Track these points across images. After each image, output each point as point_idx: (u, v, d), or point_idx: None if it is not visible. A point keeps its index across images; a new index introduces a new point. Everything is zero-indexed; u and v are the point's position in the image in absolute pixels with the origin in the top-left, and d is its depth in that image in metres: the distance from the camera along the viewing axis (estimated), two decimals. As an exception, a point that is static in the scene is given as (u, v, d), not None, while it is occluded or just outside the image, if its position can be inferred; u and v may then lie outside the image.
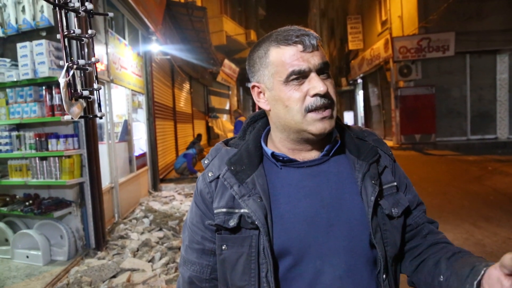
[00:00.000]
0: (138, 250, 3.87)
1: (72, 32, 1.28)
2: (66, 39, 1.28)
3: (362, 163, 0.90)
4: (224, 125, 17.70)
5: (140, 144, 7.16)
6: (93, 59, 1.38)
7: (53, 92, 3.57)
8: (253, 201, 0.85)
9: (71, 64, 1.29)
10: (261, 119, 1.02)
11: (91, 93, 1.39)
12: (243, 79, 23.00)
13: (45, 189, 3.88)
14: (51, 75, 3.48)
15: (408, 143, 12.21)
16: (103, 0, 4.80)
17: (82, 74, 1.41)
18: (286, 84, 0.84)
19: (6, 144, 3.79)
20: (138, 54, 6.58)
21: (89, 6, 1.32)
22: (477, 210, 4.89)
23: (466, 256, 0.86)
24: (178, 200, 6.37)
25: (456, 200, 5.43)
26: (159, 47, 7.50)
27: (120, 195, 5.18)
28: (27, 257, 3.64)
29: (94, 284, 3.12)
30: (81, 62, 1.32)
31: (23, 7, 3.65)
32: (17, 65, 3.61)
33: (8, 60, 3.71)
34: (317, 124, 0.84)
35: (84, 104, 1.39)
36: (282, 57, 0.84)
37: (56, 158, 3.62)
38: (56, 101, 3.57)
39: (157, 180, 7.39)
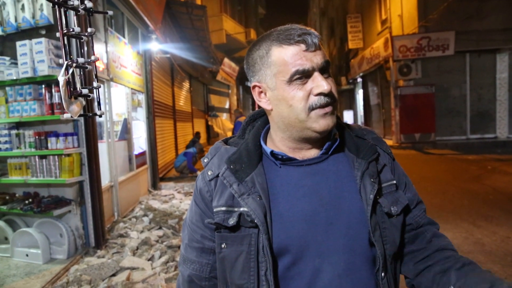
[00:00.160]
0: (137, 248, 3.87)
1: (71, 30, 1.28)
2: (65, 38, 1.28)
3: (361, 161, 0.90)
4: (224, 124, 17.71)
5: (140, 142, 7.16)
6: (92, 58, 1.38)
7: (53, 90, 3.56)
8: (253, 200, 0.85)
9: (70, 63, 1.29)
10: (260, 118, 1.02)
11: (91, 91, 1.39)
12: (242, 78, 22.98)
13: (44, 188, 3.88)
14: (51, 73, 3.48)
15: (408, 142, 12.22)
16: (103, -2, 4.79)
17: (81, 73, 1.41)
18: (289, 83, 0.84)
19: (5, 142, 3.79)
20: (138, 53, 6.57)
21: (88, 4, 1.32)
22: (476, 209, 4.90)
23: (477, 269, 0.84)
24: (177, 198, 6.38)
25: (456, 199, 5.44)
26: (158, 46, 7.49)
27: (120, 194, 5.18)
28: (27, 255, 3.65)
29: (93, 283, 3.12)
30: (81, 60, 1.32)
31: (23, 5, 3.64)
32: (16, 64, 3.61)
33: (7, 58, 3.71)
34: (320, 121, 0.84)
35: (84, 103, 1.39)
36: (284, 56, 0.83)
37: (56, 157, 3.62)
38: (56, 99, 3.56)
39: (157, 179, 7.39)
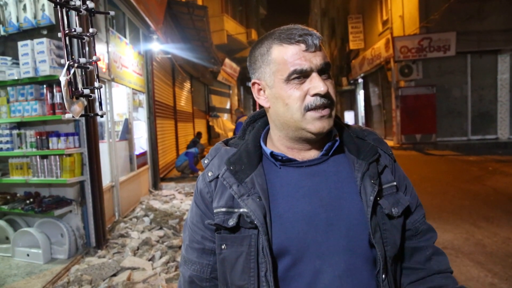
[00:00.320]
0: (138, 248, 3.87)
1: (73, 30, 1.28)
2: (67, 38, 1.28)
3: (361, 163, 0.90)
4: (225, 124, 17.71)
5: (141, 143, 7.17)
6: (94, 58, 1.38)
7: (54, 90, 3.57)
8: (252, 201, 0.85)
9: (72, 63, 1.29)
10: (261, 119, 1.02)
11: (92, 91, 1.39)
12: (243, 79, 23.00)
13: (45, 188, 3.89)
14: (52, 73, 3.49)
15: (409, 143, 12.21)
16: (104, -2, 4.79)
17: (83, 73, 1.42)
18: (287, 82, 0.84)
19: (7, 142, 3.80)
20: (139, 53, 6.58)
21: (90, 4, 1.33)
22: (477, 210, 4.89)
23: None
24: (178, 199, 6.38)
25: (457, 200, 5.43)
26: (160, 46, 7.50)
27: (121, 194, 5.19)
28: (28, 255, 3.65)
29: (94, 283, 3.13)
30: (82, 60, 1.32)
31: (24, 5, 3.65)
32: (18, 64, 3.62)
33: (9, 58, 3.72)
34: (316, 123, 0.84)
35: (85, 103, 1.39)
36: (284, 55, 0.84)
37: (57, 157, 3.62)
38: (57, 99, 3.57)
39: (158, 179, 7.40)
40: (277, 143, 0.93)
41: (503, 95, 11.91)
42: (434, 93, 11.95)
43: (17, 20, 3.71)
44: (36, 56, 3.50)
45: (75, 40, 1.38)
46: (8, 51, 3.85)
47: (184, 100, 11.79)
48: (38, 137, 3.66)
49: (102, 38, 4.57)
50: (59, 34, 1.27)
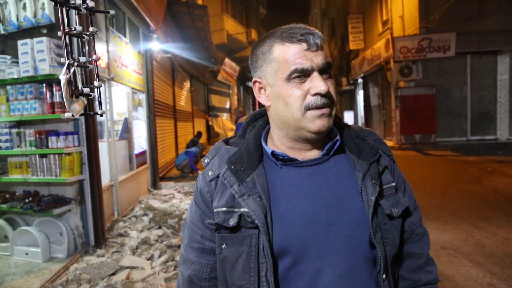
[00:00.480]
0: (137, 248, 3.87)
1: (73, 29, 1.28)
2: (67, 37, 1.28)
3: (362, 163, 0.90)
4: (224, 123, 17.71)
5: (140, 142, 7.16)
6: (94, 57, 1.38)
7: (54, 89, 3.57)
8: (253, 200, 0.85)
9: (72, 62, 1.28)
10: (262, 118, 1.01)
11: (92, 90, 1.39)
12: (243, 78, 23.00)
13: (45, 187, 3.88)
14: (52, 72, 3.48)
15: (408, 143, 12.22)
16: (104, -3, 4.79)
17: (82, 72, 1.41)
18: (288, 81, 0.84)
19: (6, 141, 3.79)
20: (139, 52, 6.57)
21: (90, 3, 1.32)
22: (476, 210, 4.89)
23: None
24: (177, 198, 6.38)
25: (456, 201, 5.43)
26: (160, 46, 7.50)
27: (120, 193, 5.19)
28: (27, 254, 3.65)
29: (93, 282, 3.12)
30: (82, 59, 1.32)
31: (24, 4, 3.64)
32: (17, 62, 3.61)
33: (8, 57, 3.71)
34: (315, 122, 0.84)
35: (85, 102, 1.39)
36: (285, 54, 0.84)
37: (56, 156, 3.62)
38: (57, 98, 3.57)
39: (157, 178, 7.39)
40: (277, 142, 0.93)
41: (502, 95, 11.92)
42: (434, 94, 11.96)
43: (17, 19, 3.70)
44: (36, 55, 3.50)
45: (75, 39, 1.38)
46: (8, 50, 3.84)
47: (183, 99, 11.78)
48: (37, 136, 3.65)
49: (102, 37, 4.57)
50: (59, 33, 1.27)
